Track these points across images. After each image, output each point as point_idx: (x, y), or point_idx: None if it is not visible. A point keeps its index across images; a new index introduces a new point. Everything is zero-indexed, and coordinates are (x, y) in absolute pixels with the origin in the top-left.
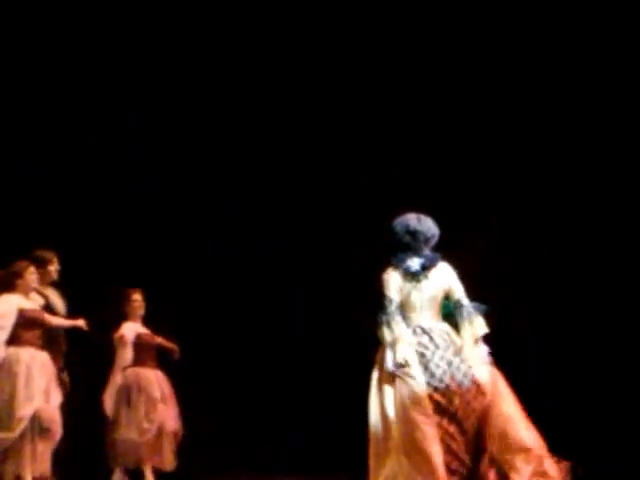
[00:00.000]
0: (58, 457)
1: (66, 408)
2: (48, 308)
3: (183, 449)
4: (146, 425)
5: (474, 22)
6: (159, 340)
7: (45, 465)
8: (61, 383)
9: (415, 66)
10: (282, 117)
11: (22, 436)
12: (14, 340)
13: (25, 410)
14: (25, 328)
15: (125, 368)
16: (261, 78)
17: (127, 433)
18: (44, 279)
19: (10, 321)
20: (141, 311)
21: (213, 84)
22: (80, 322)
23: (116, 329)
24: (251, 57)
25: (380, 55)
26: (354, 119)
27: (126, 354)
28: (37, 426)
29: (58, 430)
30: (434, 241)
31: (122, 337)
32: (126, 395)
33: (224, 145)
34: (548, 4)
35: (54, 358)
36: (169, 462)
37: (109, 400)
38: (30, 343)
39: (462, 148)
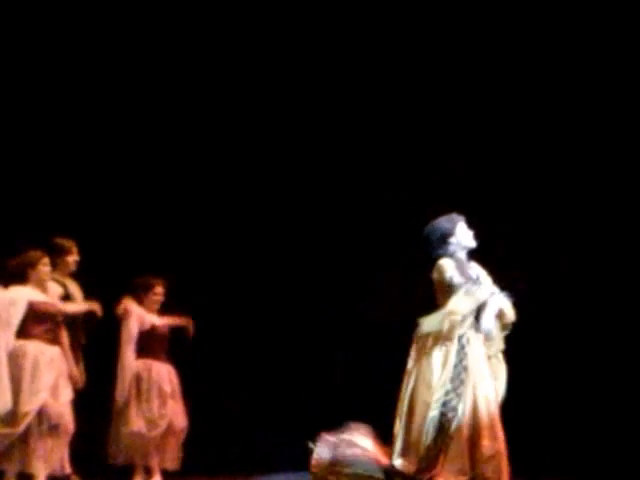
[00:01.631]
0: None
1: (77, 403)
2: (67, 298)
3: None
4: (158, 420)
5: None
6: (169, 321)
7: (56, 462)
8: (72, 377)
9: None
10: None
11: (28, 433)
12: (22, 333)
13: (30, 405)
14: (34, 321)
15: (137, 358)
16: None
17: (136, 426)
18: (63, 269)
19: (19, 314)
20: (158, 304)
21: (245, 79)
22: (95, 306)
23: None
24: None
25: (396, 60)
26: (363, 125)
27: (131, 326)
28: (45, 422)
29: (69, 426)
30: (433, 243)
31: (125, 309)
32: (136, 387)
33: (247, 137)
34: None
35: (72, 350)
36: (173, 461)
37: (120, 384)
38: (39, 337)
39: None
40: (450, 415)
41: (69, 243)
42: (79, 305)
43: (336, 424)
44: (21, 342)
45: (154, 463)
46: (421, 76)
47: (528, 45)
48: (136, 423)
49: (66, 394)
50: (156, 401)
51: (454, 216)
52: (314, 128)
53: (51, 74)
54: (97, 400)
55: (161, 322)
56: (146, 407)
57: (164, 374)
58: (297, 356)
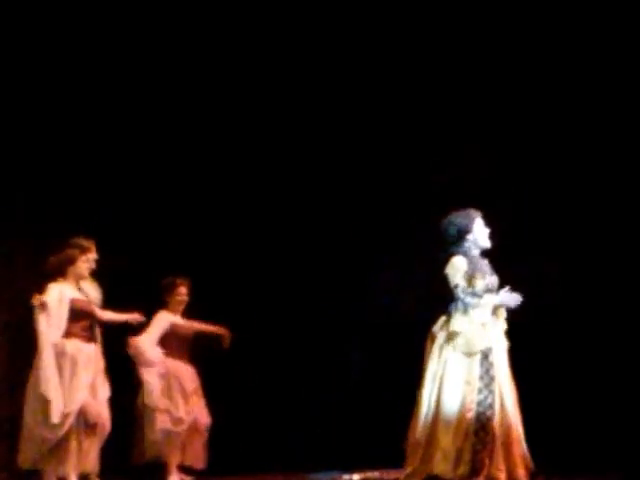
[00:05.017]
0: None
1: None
2: None
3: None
4: (183, 415)
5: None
6: (202, 327)
7: (91, 462)
8: None
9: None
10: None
11: (67, 433)
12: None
13: (70, 407)
14: (73, 319)
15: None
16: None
17: (162, 422)
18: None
19: (66, 314)
20: (183, 304)
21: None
22: (136, 316)
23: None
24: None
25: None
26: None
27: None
28: (82, 422)
29: (106, 426)
30: (449, 238)
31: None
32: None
33: (249, 145)
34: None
35: None
36: (199, 459)
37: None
38: (77, 335)
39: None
40: (488, 413)
41: (89, 242)
42: (116, 315)
43: (337, 426)
44: (59, 340)
45: (177, 460)
46: (424, 72)
47: (519, 53)
48: (162, 419)
49: (103, 392)
50: (179, 398)
51: (471, 212)
52: (312, 134)
53: (50, 75)
54: (120, 400)
55: (186, 323)
56: (170, 404)
57: (184, 372)
58: (316, 355)
